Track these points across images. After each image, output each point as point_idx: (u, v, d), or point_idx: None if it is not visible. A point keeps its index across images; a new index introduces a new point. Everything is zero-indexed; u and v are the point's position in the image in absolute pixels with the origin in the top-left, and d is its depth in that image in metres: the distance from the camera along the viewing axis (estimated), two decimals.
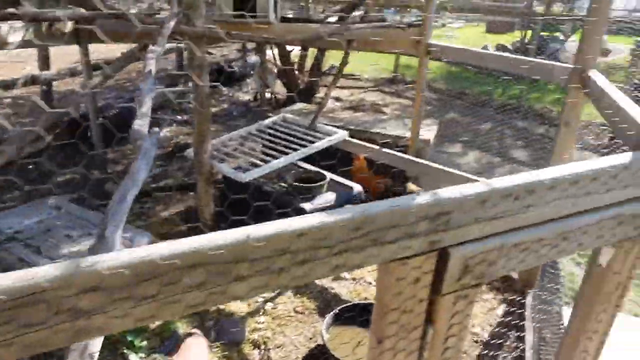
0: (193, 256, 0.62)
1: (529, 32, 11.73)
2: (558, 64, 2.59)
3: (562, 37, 12.24)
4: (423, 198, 0.73)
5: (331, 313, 2.44)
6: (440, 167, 3.33)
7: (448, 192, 0.77)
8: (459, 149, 5.59)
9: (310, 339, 2.49)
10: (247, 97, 7.78)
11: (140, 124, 2.24)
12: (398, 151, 3.69)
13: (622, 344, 1.27)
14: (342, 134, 3.68)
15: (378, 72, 10.14)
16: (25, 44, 4.32)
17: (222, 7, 4.11)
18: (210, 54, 8.37)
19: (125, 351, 2.31)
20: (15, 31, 4.03)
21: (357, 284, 2.94)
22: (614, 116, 1.51)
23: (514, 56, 2.89)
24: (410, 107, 7.73)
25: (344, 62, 3.92)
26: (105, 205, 3.87)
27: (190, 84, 7.04)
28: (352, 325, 2.45)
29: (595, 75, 2.26)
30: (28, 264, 2.43)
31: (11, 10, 3.73)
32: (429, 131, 4.32)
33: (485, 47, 11.04)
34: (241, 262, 0.65)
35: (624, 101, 1.58)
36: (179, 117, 6.48)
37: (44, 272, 0.55)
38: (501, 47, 11.99)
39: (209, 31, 3.45)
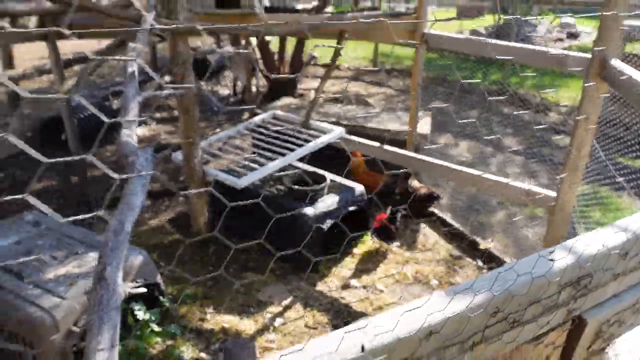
0: None
1: (502, 17, 11.69)
2: (572, 53, 2.46)
3: (533, 21, 12.28)
4: (563, 261, 0.57)
5: None
6: (444, 163, 3.18)
7: (588, 246, 0.60)
8: (450, 139, 5.48)
9: None
10: (226, 91, 7.48)
11: (128, 134, 2.00)
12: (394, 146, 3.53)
13: None
14: (339, 131, 3.49)
15: (357, 61, 9.96)
16: None
17: None
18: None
19: None
20: None
21: (369, 292, 2.79)
22: None
23: (522, 45, 2.74)
24: (395, 97, 7.59)
25: (337, 54, 3.72)
26: (86, 212, 3.58)
27: (165, 79, 6.72)
28: None
29: (619, 65, 2.13)
30: (10, 292, 2.17)
31: None
32: (424, 124, 4.17)
33: (460, 33, 10.97)
34: None
35: None
36: (157, 115, 6.16)
37: None
38: (475, 32, 11.93)
39: (193, 25, 3.20)
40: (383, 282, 2.88)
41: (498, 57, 2.86)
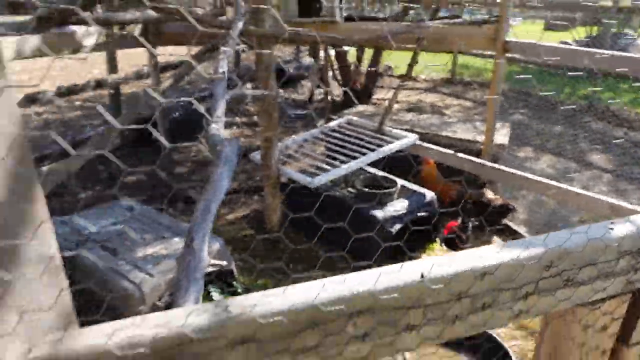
0: (361, 301, 0.50)
1: (595, 28, 11.02)
2: None
3: (632, 33, 11.44)
4: (622, 229, 0.58)
5: None
6: (523, 173, 3.09)
7: None
8: (531, 153, 5.26)
9: None
10: (302, 99, 7.73)
11: (217, 128, 2.19)
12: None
13: None
14: (412, 138, 3.52)
15: (434, 72, 9.84)
16: (97, 47, 4.45)
17: (287, 7, 4.05)
18: None
19: None
20: (89, 35, 4.16)
21: None
22: None
23: (616, 53, 2.61)
24: (472, 109, 7.41)
25: (414, 62, 3.76)
26: (173, 206, 3.86)
27: (247, 86, 7.09)
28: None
29: None
30: (106, 266, 2.44)
31: (87, 14, 3.82)
32: (502, 135, 4.06)
33: None
34: (414, 308, 0.52)
35: None
36: (238, 119, 6.51)
37: (189, 320, 0.45)
38: (563, 44, 11.32)
39: (277, 31, 3.39)
40: None
41: (590, 68, 2.75)
